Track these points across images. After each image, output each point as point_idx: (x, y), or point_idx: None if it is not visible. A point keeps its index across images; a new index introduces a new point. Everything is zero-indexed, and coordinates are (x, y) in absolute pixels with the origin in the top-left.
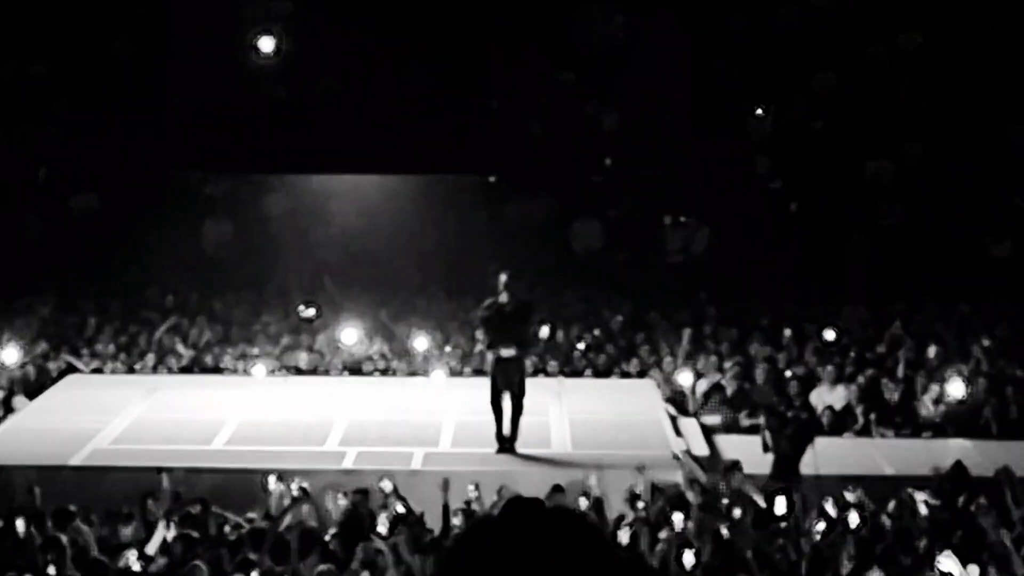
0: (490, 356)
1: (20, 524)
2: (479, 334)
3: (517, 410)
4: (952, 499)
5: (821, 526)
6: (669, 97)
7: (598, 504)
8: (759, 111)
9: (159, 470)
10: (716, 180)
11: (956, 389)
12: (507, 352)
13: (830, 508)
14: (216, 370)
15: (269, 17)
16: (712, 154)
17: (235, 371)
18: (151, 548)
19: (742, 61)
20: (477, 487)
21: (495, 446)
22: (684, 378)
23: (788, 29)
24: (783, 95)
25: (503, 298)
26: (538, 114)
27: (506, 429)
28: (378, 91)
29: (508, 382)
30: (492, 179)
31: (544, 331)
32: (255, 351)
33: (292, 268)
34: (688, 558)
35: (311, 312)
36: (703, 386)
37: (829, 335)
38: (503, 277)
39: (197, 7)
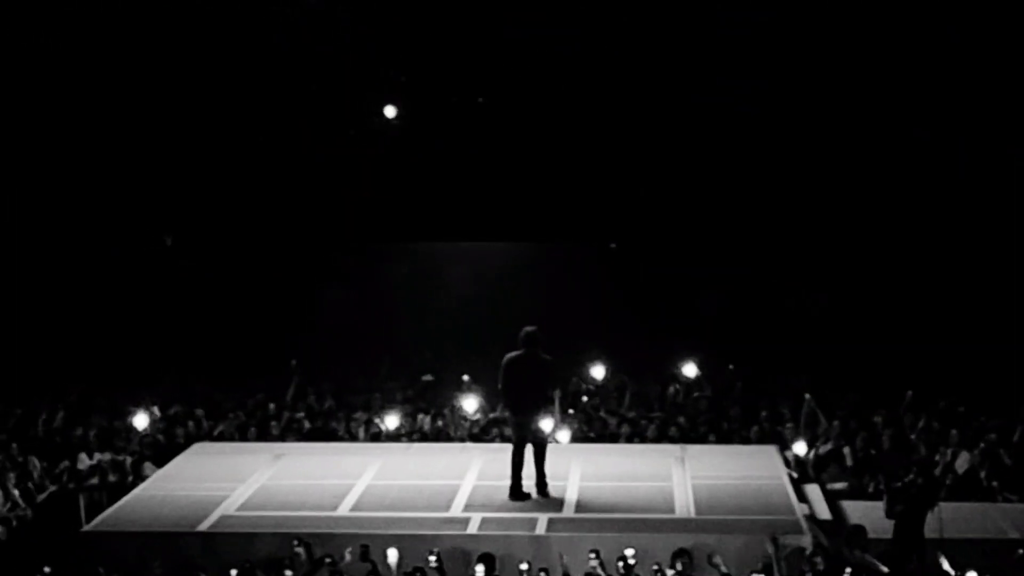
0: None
1: None
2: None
3: (541, 456)
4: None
5: None
6: None
7: None
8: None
9: (298, 541)
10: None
11: None
12: (524, 417)
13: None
14: (340, 436)
15: (388, 87)
16: None
17: (359, 437)
18: None
19: None
20: (598, 555)
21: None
22: (799, 447)
23: None
24: None
25: (521, 354)
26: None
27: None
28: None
29: (528, 434)
30: (613, 245)
31: None
32: (383, 410)
33: (412, 335)
34: None
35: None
36: (822, 452)
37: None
38: (524, 331)
39: (317, 78)
